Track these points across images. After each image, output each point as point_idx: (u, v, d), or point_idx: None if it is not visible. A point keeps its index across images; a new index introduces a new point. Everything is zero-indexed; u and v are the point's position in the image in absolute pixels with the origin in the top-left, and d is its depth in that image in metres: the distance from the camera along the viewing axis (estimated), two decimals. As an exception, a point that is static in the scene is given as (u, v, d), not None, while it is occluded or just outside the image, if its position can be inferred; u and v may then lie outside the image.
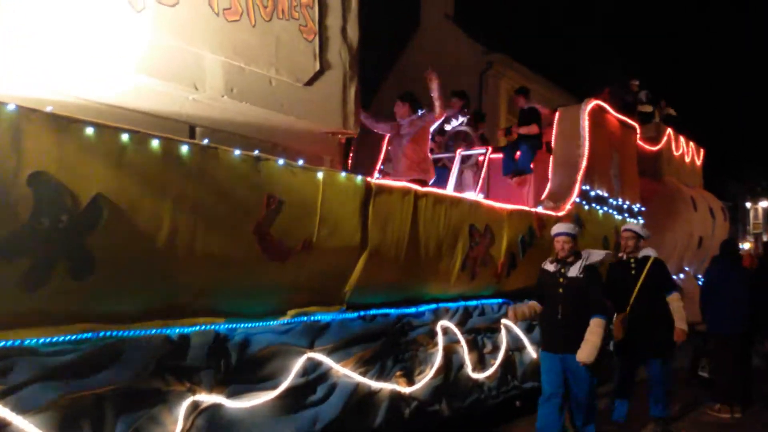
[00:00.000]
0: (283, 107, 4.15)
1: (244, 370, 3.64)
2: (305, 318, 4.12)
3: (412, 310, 5.10)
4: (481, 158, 8.49)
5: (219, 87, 3.77)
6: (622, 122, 8.99)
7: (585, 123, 7.77)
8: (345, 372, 4.29)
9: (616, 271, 5.86)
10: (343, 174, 4.19)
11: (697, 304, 11.97)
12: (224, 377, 3.51)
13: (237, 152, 3.50)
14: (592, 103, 8.01)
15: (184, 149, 3.20)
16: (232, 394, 3.53)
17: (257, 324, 3.80)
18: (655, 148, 12.16)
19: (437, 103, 6.64)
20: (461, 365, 5.48)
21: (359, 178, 4.31)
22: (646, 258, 5.72)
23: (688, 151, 14.04)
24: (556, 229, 4.93)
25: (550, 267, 4.99)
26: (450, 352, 5.40)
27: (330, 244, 4.12)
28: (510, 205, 6.30)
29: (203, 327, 3.45)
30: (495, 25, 20.86)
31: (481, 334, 5.90)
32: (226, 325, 3.61)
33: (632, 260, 5.77)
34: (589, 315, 4.69)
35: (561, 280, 4.81)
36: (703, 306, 6.89)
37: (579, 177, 7.58)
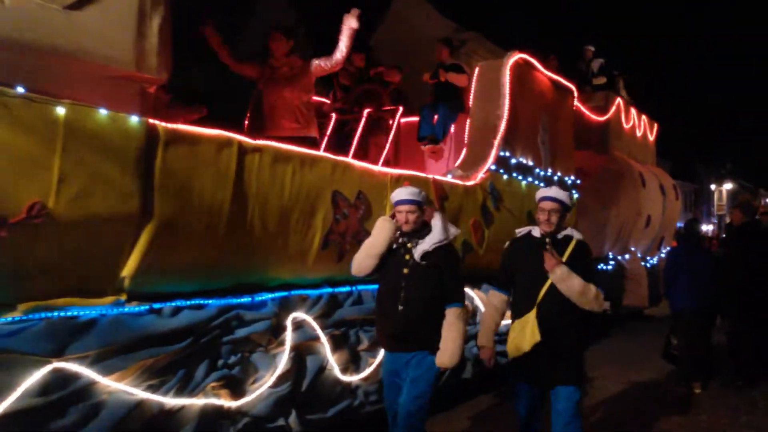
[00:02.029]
0: (28, 37, 2.87)
1: None
2: (49, 314, 2.94)
3: (245, 299, 3.94)
4: (391, 121, 7.35)
5: None
6: (555, 83, 7.87)
7: (506, 79, 6.65)
8: (120, 387, 3.15)
9: (520, 252, 3.90)
10: (104, 112, 2.99)
11: (644, 287, 11.28)
12: None
13: None
14: (516, 56, 6.87)
15: None
16: None
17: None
18: (602, 119, 11.15)
19: (340, 52, 5.42)
20: (322, 367, 4.38)
21: (135, 119, 3.11)
22: (568, 239, 3.84)
23: (639, 125, 13.05)
24: (396, 195, 3.68)
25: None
26: (304, 351, 4.30)
27: (82, 211, 2.94)
28: (397, 170, 5.17)
29: None
30: (468, 3, 19.94)
31: (356, 328, 4.80)
32: None
33: (546, 239, 3.81)
34: (441, 304, 3.58)
35: (407, 257, 3.62)
36: (667, 285, 6.88)
37: (497, 141, 6.48)
